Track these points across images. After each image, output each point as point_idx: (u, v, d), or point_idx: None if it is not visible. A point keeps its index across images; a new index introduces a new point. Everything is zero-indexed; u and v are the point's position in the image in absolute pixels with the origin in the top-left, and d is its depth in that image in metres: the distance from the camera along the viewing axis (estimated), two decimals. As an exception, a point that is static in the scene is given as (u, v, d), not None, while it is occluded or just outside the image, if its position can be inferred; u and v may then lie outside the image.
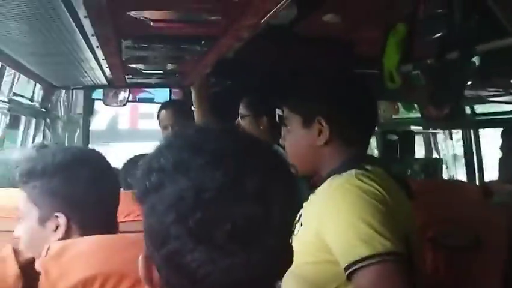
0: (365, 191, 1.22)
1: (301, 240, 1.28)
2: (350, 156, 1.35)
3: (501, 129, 2.66)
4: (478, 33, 2.00)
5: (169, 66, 2.14)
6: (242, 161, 0.65)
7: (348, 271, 1.19)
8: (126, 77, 2.27)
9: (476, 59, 2.14)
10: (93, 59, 1.85)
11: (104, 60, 1.89)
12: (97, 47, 1.64)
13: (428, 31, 2.30)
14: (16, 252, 1.25)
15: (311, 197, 1.33)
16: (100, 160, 1.29)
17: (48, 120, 3.19)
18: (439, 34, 2.22)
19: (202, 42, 1.67)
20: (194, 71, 2.18)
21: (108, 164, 1.30)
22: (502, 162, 2.53)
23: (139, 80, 2.44)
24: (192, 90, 2.66)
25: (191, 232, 0.62)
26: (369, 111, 1.42)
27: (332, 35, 2.90)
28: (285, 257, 0.71)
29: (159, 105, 3.10)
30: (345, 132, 1.35)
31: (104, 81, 2.42)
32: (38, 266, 1.11)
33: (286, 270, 0.73)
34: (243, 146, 0.69)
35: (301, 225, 1.30)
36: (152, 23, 1.42)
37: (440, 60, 2.19)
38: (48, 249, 1.10)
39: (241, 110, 2.64)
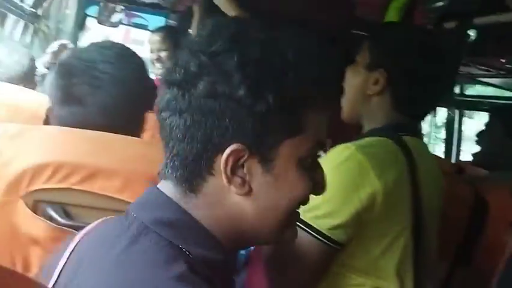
0: (348, 166, 1.15)
1: None
2: (395, 122, 1.29)
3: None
4: (479, 6, 1.97)
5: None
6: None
7: None
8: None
9: (473, 34, 2.12)
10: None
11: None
12: None
13: (429, -1, 2.27)
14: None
15: None
16: None
17: (37, 26, 3.09)
18: (440, 3, 2.19)
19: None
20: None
21: None
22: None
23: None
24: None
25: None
26: (434, 87, 1.31)
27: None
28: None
29: (152, 33, 3.06)
30: (399, 97, 1.28)
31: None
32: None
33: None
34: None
35: None
36: None
37: (437, 29, 2.17)
38: (5, 129, 1.09)
39: None
